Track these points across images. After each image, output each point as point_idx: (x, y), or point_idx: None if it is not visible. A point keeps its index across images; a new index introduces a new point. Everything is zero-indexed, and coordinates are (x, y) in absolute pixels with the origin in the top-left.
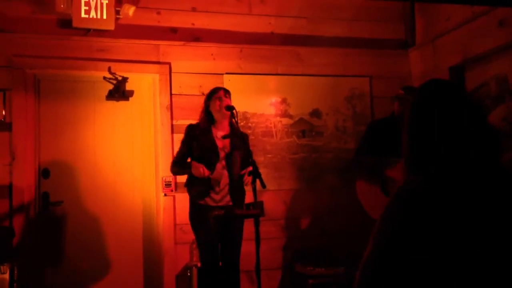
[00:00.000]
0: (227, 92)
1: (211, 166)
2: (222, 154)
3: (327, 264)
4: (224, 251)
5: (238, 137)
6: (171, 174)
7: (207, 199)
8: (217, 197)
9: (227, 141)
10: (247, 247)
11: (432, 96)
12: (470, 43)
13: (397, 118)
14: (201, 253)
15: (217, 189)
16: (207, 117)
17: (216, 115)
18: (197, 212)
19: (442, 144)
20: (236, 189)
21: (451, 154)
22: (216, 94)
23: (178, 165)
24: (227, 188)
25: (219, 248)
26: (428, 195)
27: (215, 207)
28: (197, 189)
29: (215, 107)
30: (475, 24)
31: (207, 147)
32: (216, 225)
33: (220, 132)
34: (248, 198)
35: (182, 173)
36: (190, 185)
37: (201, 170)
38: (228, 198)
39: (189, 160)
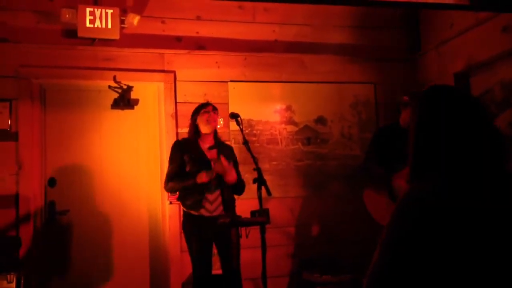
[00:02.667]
0: (215, 109)
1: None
2: (212, 165)
3: (334, 271)
4: (223, 261)
5: (225, 148)
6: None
7: (202, 210)
8: (211, 207)
9: (214, 152)
10: (253, 254)
11: (435, 101)
12: (474, 49)
13: (402, 124)
14: (193, 264)
15: (210, 198)
16: (194, 130)
17: (203, 128)
18: (191, 223)
19: (448, 150)
20: (228, 197)
21: (457, 160)
22: (205, 109)
23: (177, 178)
24: (220, 199)
25: (219, 257)
26: (435, 203)
27: (209, 217)
28: (192, 199)
29: (202, 120)
30: (479, 30)
31: (199, 160)
32: (210, 236)
33: (206, 145)
34: (254, 205)
35: (181, 186)
36: (183, 198)
37: (204, 175)
38: (221, 208)
39: None
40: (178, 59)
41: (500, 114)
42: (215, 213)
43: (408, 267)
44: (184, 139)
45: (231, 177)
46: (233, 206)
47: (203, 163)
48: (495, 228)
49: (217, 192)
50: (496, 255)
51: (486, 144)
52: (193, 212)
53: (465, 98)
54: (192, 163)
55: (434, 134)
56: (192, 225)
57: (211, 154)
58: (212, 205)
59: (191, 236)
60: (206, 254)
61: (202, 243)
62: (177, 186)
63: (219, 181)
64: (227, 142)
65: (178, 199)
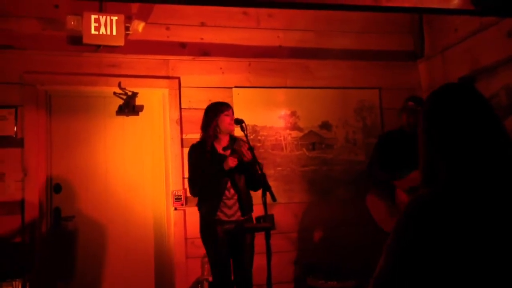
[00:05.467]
0: (233, 112)
1: (220, 181)
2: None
3: (339, 277)
4: (236, 267)
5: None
6: (181, 188)
7: (219, 214)
8: (229, 211)
9: (228, 152)
10: (258, 260)
11: (444, 102)
12: (479, 54)
13: (406, 129)
14: (212, 269)
15: (228, 203)
16: (213, 133)
17: (223, 131)
18: (208, 228)
19: (452, 152)
20: (245, 200)
21: (465, 163)
22: (227, 112)
23: (201, 177)
24: (237, 204)
25: (231, 263)
26: (439, 207)
27: (227, 221)
28: (208, 205)
29: (224, 123)
30: (483, 35)
31: (215, 162)
32: (226, 240)
33: (221, 146)
34: (259, 211)
35: (207, 182)
36: (201, 205)
37: (230, 159)
38: (239, 213)
39: None
40: (183, 65)
41: (505, 119)
42: (233, 218)
43: (413, 272)
44: (199, 142)
45: (248, 156)
46: (251, 209)
47: (220, 164)
48: (502, 232)
49: (235, 198)
50: (503, 259)
51: (492, 146)
52: (211, 217)
53: (472, 98)
54: (209, 166)
55: (439, 136)
56: (209, 230)
57: (227, 155)
58: (231, 209)
59: (208, 241)
60: (224, 259)
61: (219, 248)
62: (201, 183)
63: (235, 185)
64: None
65: (196, 204)
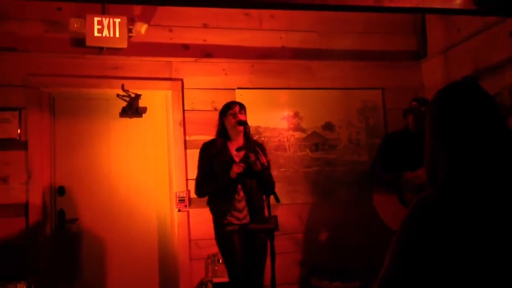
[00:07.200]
0: (242, 108)
1: (229, 185)
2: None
3: (343, 278)
4: (247, 269)
5: (253, 150)
6: (184, 190)
7: (230, 218)
8: (240, 215)
9: (242, 153)
10: None
11: (451, 100)
12: (482, 54)
13: (411, 130)
14: (228, 272)
15: (238, 206)
16: (223, 133)
17: (231, 131)
18: (221, 232)
19: (461, 152)
20: (256, 202)
21: (469, 162)
22: (231, 110)
23: (207, 182)
24: (247, 207)
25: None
26: (443, 207)
27: (238, 225)
28: (219, 207)
29: (230, 123)
30: (486, 34)
31: (226, 164)
32: (238, 243)
33: (235, 147)
34: None
35: (213, 188)
36: (211, 203)
37: (235, 167)
38: (250, 216)
39: None
40: (186, 67)
41: (509, 118)
42: (244, 221)
43: (417, 272)
44: (212, 140)
45: (257, 166)
46: (262, 213)
47: (229, 168)
48: (506, 232)
49: (245, 200)
50: (507, 259)
51: (497, 145)
52: (222, 220)
53: (478, 96)
54: (219, 167)
55: (445, 134)
56: (222, 234)
57: (240, 156)
58: (241, 213)
59: (222, 245)
60: (238, 262)
61: (233, 252)
62: (208, 189)
63: (244, 188)
64: None
65: (207, 203)
